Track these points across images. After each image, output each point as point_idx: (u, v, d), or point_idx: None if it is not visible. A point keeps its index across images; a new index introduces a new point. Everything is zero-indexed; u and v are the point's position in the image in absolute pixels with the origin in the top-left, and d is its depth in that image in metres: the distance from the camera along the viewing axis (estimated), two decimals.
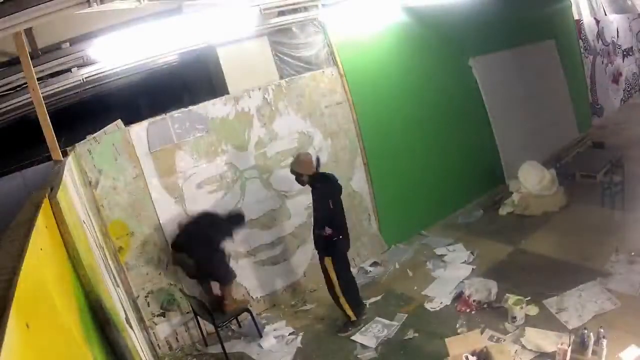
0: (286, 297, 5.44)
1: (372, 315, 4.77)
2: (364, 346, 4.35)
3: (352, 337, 4.49)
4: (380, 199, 6.19)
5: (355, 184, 6.01)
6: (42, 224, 1.68)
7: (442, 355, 3.85)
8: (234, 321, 4.88)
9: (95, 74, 4.68)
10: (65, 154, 3.88)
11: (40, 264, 1.45)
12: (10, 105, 4.48)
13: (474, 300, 4.55)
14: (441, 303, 4.74)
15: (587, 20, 9.77)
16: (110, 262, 3.72)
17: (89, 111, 7.09)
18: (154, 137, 4.71)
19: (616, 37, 10.71)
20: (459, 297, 4.72)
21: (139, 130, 4.67)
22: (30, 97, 3.31)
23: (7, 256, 1.26)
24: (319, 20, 5.56)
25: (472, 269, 5.22)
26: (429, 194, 6.62)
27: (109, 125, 4.59)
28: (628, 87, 11.09)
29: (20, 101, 4.44)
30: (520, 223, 6.20)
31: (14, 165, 5.42)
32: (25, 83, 3.65)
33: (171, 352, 4.80)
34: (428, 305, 4.76)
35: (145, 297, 4.77)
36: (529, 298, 4.36)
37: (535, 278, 4.80)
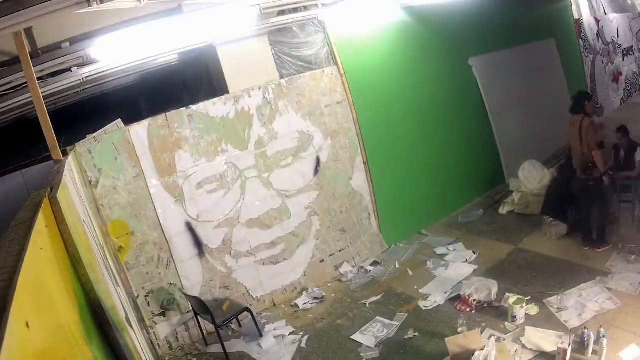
0: (286, 296, 5.44)
1: (372, 315, 4.77)
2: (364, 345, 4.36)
3: (352, 337, 4.49)
4: (381, 198, 6.19)
5: (356, 183, 6.01)
6: (42, 223, 1.68)
7: (442, 354, 3.86)
8: (234, 321, 4.88)
9: (95, 74, 4.68)
10: (65, 154, 3.88)
11: (40, 263, 1.45)
12: (10, 105, 4.48)
13: (474, 300, 4.55)
14: (435, 302, 4.75)
15: (587, 19, 9.76)
16: (110, 262, 3.72)
17: (89, 111, 7.08)
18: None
19: (616, 36, 10.69)
20: (457, 296, 4.72)
21: (138, 130, 4.68)
22: (30, 97, 3.31)
23: (7, 256, 1.26)
24: (319, 19, 5.56)
25: (474, 268, 5.22)
26: (429, 193, 6.62)
27: (108, 125, 4.60)
28: (628, 86, 11.07)
29: (20, 101, 4.44)
30: (521, 222, 6.20)
31: (14, 165, 5.41)
32: (25, 83, 3.65)
33: (171, 352, 4.80)
34: (421, 304, 4.77)
35: (146, 296, 4.77)
36: (529, 297, 4.37)
37: (535, 277, 4.81)
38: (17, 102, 4.44)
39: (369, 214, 6.15)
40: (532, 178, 6.57)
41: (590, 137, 4.84)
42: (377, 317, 4.71)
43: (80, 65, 4.30)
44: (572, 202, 5.37)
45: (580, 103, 5.01)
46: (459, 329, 4.19)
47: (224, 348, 4.40)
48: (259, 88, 5.29)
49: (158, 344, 4.79)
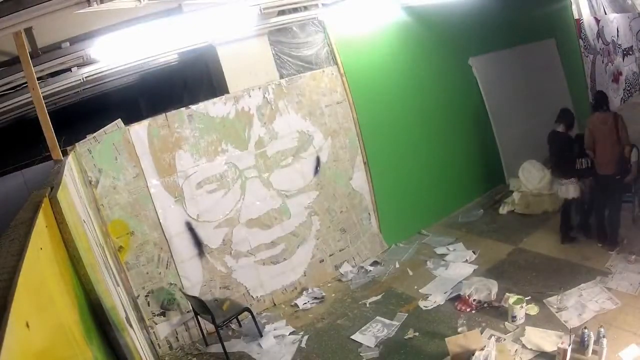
0: (286, 296, 5.44)
1: (372, 315, 4.77)
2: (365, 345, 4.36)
3: (352, 337, 4.49)
4: (381, 198, 6.19)
5: (356, 183, 6.01)
6: (42, 223, 1.68)
7: (442, 354, 3.86)
8: (234, 321, 4.88)
9: (95, 74, 4.69)
10: (65, 154, 3.88)
11: (41, 263, 1.45)
12: (10, 105, 4.48)
13: (474, 300, 4.55)
14: (435, 302, 4.75)
15: (587, 19, 9.75)
16: (110, 262, 3.72)
17: (89, 111, 7.09)
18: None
19: (616, 36, 10.69)
20: (457, 296, 4.73)
21: (138, 130, 4.68)
22: (30, 97, 3.31)
23: (7, 256, 1.26)
24: (319, 19, 5.56)
25: (474, 268, 5.22)
26: (429, 193, 6.62)
27: (108, 125, 4.60)
28: (628, 86, 11.07)
29: (20, 101, 4.44)
30: (521, 222, 6.20)
31: (14, 165, 5.42)
32: (25, 83, 3.65)
33: (171, 352, 4.80)
34: (422, 304, 4.77)
35: (146, 296, 4.77)
36: (529, 297, 4.37)
37: (535, 277, 4.81)
38: (17, 102, 4.44)
39: (369, 213, 6.15)
40: (532, 178, 6.56)
41: (625, 133, 4.92)
42: (377, 317, 4.71)
43: (80, 65, 4.30)
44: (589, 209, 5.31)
45: (605, 100, 5.10)
46: (459, 329, 4.19)
47: (224, 348, 4.40)
48: (259, 88, 5.29)
49: (158, 344, 4.79)
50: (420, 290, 5.04)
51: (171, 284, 4.88)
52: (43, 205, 1.83)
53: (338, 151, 5.85)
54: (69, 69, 4.31)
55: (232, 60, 5.26)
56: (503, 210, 6.61)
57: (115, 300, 2.80)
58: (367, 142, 6.05)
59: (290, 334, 4.75)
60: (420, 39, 6.55)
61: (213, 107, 5.03)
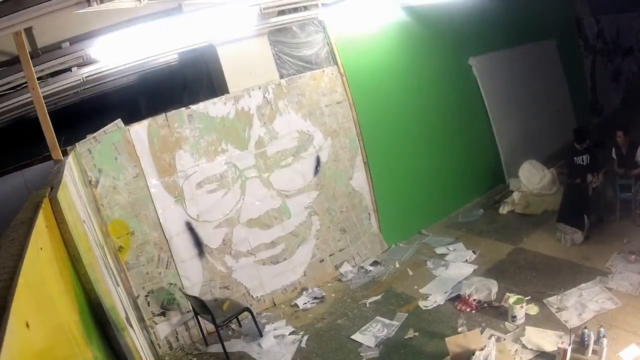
0: (286, 296, 5.44)
1: (372, 315, 4.77)
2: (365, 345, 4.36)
3: (352, 337, 4.49)
4: (381, 198, 6.19)
5: (356, 183, 6.01)
6: (42, 223, 1.68)
7: (442, 354, 3.86)
8: (234, 321, 4.88)
9: (95, 74, 4.68)
10: (65, 154, 3.88)
11: (41, 263, 1.45)
12: (10, 105, 4.48)
13: (474, 300, 4.55)
14: (435, 302, 4.75)
15: (587, 19, 9.75)
16: (110, 262, 3.71)
17: (89, 111, 7.09)
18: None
19: (616, 36, 10.68)
20: (457, 296, 4.72)
21: (138, 130, 4.68)
22: (30, 97, 3.31)
23: (7, 256, 1.26)
24: (319, 19, 5.56)
25: (474, 268, 5.22)
26: (429, 193, 6.62)
27: (108, 125, 4.60)
28: (628, 86, 11.05)
29: (20, 101, 4.43)
30: (521, 222, 6.20)
31: (14, 165, 5.40)
32: (25, 82, 3.65)
33: (171, 352, 4.80)
34: (422, 304, 4.77)
35: (146, 296, 4.77)
36: (529, 297, 4.37)
37: (535, 277, 4.81)
38: (17, 102, 4.44)
39: (369, 213, 6.15)
40: (532, 178, 6.57)
41: None
42: (377, 317, 4.71)
43: (80, 65, 4.30)
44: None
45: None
46: (459, 329, 4.19)
47: (224, 348, 4.41)
48: (259, 88, 5.29)
49: (158, 344, 4.79)
50: (420, 290, 5.04)
51: (171, 284, 4.88)
52: (43, 205, 1.83)
53: (338, 151, 5.85)
54: (69, 69, 4.30)
55: (232, 60, 5.25)
56: (503, 210, 6.62)
57: (115, 300, 2.80)
58: (367, 142, 6.05)
59: (290, 334, 4.75)
60: (420, 39, 6.55)
61: (213, 107, 5.03)
